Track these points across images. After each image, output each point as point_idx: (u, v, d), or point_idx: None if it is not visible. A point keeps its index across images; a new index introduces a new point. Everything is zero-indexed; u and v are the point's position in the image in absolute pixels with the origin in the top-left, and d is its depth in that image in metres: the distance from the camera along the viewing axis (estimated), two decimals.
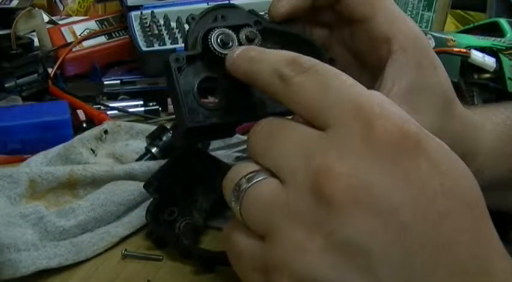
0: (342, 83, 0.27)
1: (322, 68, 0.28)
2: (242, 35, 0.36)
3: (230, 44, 0.36)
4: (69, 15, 1.19)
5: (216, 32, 0.36)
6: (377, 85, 0.36)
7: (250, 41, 0.36)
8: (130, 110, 0.71)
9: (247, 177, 0.28)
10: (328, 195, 0.24)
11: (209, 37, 0.35)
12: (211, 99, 0.36)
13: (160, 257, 0.39)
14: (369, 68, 0.38)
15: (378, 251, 0.23)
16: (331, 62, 0.38)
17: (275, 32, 0.39)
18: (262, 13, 0.40)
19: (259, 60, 0.30)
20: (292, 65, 0.28)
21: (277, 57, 0.29)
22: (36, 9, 0.78)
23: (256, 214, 0.27)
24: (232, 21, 0.37)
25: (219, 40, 0.35)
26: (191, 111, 0.34)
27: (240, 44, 0.36)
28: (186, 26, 0.39)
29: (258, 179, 0.27)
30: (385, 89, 0.35)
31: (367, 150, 0.25)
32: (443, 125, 0.36)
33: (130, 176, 0.48)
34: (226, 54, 0.34)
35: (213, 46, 0.35)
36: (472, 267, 0.24)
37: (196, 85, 0.35)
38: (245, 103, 0.35)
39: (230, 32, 0.36)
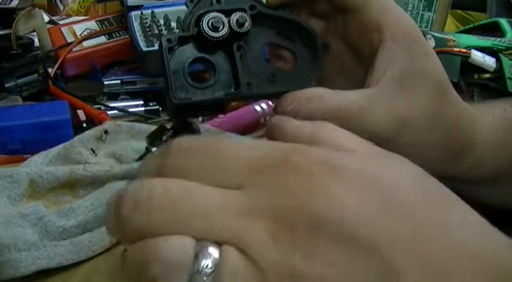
0: (224, 144, 0.25)
1: (197, 141, 0.26)
2: (233, 19, 0.38)
3: (220, 27, 0.38)
4: (69, 15, 1.19)
5: (208, 16, 0.38)
6: (369, 73, 0.37)
7: (240, 25, 0.38)
8: (131, 110, 0.71)
9: (197, 258, 0.23)
10: (290, 249, 0.22)
11: (201, 20, 0.38)
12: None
13: None
14: (364, 58, 0.39)
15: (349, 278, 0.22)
16: (325, 47, 0.40)
17: (270, 17, 0.40)
18: None
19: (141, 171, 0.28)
20: (170, 153, 0.26)
21: (151, 161, 0.27)
22: (37, 9, 0.78)
23: None
24: (227, 5, 0.39)
25: (210, 24, 0.38)
26: (179, 89, 0.37)
27: (230, 27, 0.38)
28: None
29: (217, 256, 0.23)
30: (376, 76, 0.36)
31: (284, 189, 0.23)
32: (437, 112, 0.37)
33: (130, 176, 0.48)
34: (216, 37, 0.38)
35: (204, 29, 0.38)
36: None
37: (187, 65, 0.38)
38: (233, 84, 0.37)
39: (221, 16, 0.38)
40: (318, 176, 0.23)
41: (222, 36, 0.38)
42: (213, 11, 0.38)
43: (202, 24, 0.38)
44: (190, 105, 0.37)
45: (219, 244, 0.23)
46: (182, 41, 0.38)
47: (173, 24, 0.75)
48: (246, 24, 0.38)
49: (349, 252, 0.22)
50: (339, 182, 0.23)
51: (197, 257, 0.22)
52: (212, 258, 0.22)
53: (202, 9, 0.39)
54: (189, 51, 0.38)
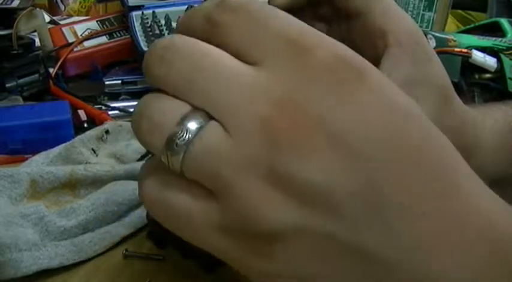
0: (272, 18, 0.24)
1: (251, 5, 0.25)
2: None
3: None
4: (70, 15, 1.19)
5: None
6: None
7: None
8: (132, 110, 0.70)
9: (182, 123, 0.23)
10: (277, 137, 0.22)
11: None
12: None
13: (162, 257, 0.39)
14: None
15: (337, 187, 0.22)
16: None
17: None
18: None
19: (195, 10, 0.27)
20: (221, 6, 0.25)
21: (208, 3, 0.26)
22: (38, 9, 0.78)
23: (205, 170, 0.23)
24: None
25: None
26: None
27: None
28: None
29: (198, 126, 0.23)
30: None
31: (305, 79, 0.22)
32: (441, 118, 0.37)
33: (131, 176, 0.48)
34: None
35: None
36: (439, 189, 0.22)
37: None
38: None
39: None
40: (352, 85, 0.23)
41: None
42: None
43: None
44: None
45: (210, 117, 0.23)
46: None
47: (174, 24, 0.76)
48: None
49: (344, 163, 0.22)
50: (367, 94, 0.22)
51: (182, 123, 0.23)
52: (194, 127, 0.23)
53: None
54: None
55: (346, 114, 0.22)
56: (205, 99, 0.23)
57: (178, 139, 0.23)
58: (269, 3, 0.40)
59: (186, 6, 0.77)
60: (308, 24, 0.43)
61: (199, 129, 0.23)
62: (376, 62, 0.37)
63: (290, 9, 0.40)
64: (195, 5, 0.40)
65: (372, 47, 0.37)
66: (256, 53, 0.23)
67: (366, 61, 0.24)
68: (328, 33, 0.42)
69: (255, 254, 0.24)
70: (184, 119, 0.23)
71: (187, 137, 0.23)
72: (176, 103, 0.24)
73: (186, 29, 0.26)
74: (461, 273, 0.22)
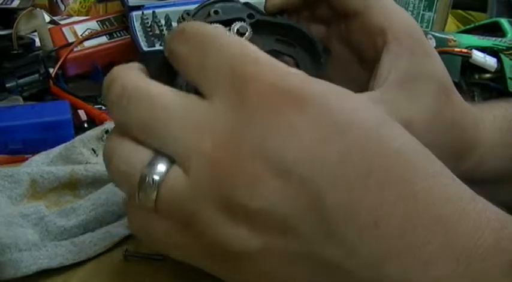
0: (221, 46, 0.26)
1: (204, 34, 0.27)
2: (233, 29, 0.38)
3: None
4: (70, 15, 1.19)
5: None
6: (372, 77, 0.37)
7: (241, 35, 0.38)
8: None
9: (147, 170, 0.26)
10: (225, 173, 0.24)
11: None
12: None
13: (162, 257, 0.39)
14: (368, 62, 0.39)
15: (287, 210, 0.23)
16: (326, 52, 0.39)
17: (269, 24, 0.40)
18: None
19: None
20: (176, 36, 0.28)
21: (170, 33, 0.29)
22: (38, 9, 0.78)
23: (174, 208, 0.26)
24: (225, 16, 0.39)
25: None
26: None
27: None
28: None
29: (161, 172, 0.26)
30: (379, 79, 0.36)
31: (244, 112, 0.24)
32: (441, 114, 0.37)
33: None
34: None
35: None
36: (392, 196, 0.23)
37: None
38: None
39: (221, 27, 0.37)
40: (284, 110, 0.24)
41: None
42: (212, 23, 0.38)
43: None
44: None
45: (171, 160, 0.26)
46: None
47: (174, 25, 0.75)
48: (247, 33, 0.38)
49: (285, 186, 0.23)
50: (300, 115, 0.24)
51: (147, 170, 0.26)
52: (157, 175, 0.26)
53: (201, 21, 0.38)
54: None
55: (280, 140, 0.23)
56: (162, 143, 0.26)
57: (146, 187, 0.26)
58: (265, 3, 0.40)
59: (186, 7, 0.77)
60: (305, 25, 0.43)
61: (163, 174, 0.26)
62: (376, 60, 0.37)
63: (285, 10, 0.40)
64: (191, 8, 0.40)
65: (371, 45, 0.38)
66: (207, 85, 0.26)
67: (314, 85, 0.25)
68: (327, 34, 0.42)
69: (228, 269, 0.27)
70: (148, 167, 0.26)
71: (153, 183, 0.26)
72: (139, 151, 0.27)
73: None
74: (423, 272, 0.23)
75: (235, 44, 0.26)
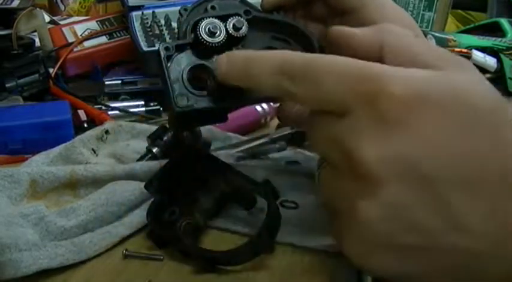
0: (332, 74, 0.29)
1: (310, 67, 0.30)
2: (229, 24, 0.38)
3: (218, 33, 0.38)
4: (70, 15, 1.19)
5: (205, 22, 0.38)
6: None
7: (237, 29, 0.38)
8: (131, 110, 0.71)
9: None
10: (362, 175, 0.28)
11: (198, 27, 0.38)
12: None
13: (161, 257, 0.39)
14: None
15: (414, 206, 0.27)
16: (322, 49, 0.39)
17: (266, 21, 0.40)
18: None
19: (253, 73, 0.32)
20: (286, 75, 0.31)
21: (268, 68, 0.32)
22: (37, 9, 0.78)
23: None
24: (221, 11, 0.39)
25: (207, 29, 0.38)
26: (179, 96, 0.37)
27: (228, 32, 0.38)
28: None
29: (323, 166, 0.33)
30: None
31: (380, 128, 0.28)
32: None
33: (131, 176, 0.48)
34: (214, 43, 0.37)
35: (201, 36, 0.38)
36: (507, 187, 0.27)
37: (186, 72, 0.38)
38: (234, 89, 0.35)
39: (218, 21, 0.38)
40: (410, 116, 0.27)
41: (219, 42, 0.38)
42: (209, 17, 0.38)
43: (199, 31, 0.38)
44: (192, 113, 0.37)
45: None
46: (180, 48, 0.38)
47: (174, 24, 0.75)
48: (243, 28, 0.39)
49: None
50: (431, 120, 0.27)
51: None
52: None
53: (198, 16, 0.39)
54: (187, 59, 0.38)
55: (418, 150, 0.27)
56: (321, 153, 0.34)
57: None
58: (261, 1, 0.41)
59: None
60: (300, 22, 0.43)
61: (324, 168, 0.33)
62: None
63: (282, 7, 0.41)
64: (188, 6, 0.40)
65: None
66: (336, 108, 0.29)
67: (422, 80, 0.29)
68: (324, 32, 0.42)
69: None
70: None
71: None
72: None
73: (249, 88, 0.34)
74: None
75: (347, 64, 0.29)
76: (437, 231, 0.28)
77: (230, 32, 0.38)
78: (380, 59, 0.31)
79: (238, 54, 0.34)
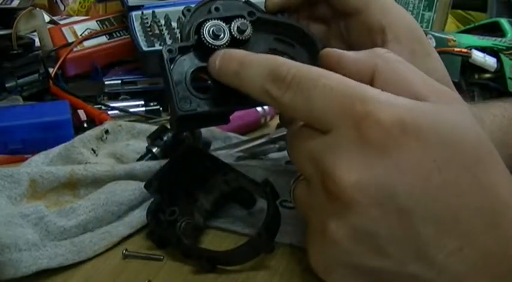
0: (323, 88, 0.29)
1: (301, 78, 0.30)
2: (234, 26, 0.38)
3: (221, 35, 0.37)
4: (70, 15, 1.19)
5: (208, 24, 0.37)
6: None
7: (241, 32, 0.38)
8: (131, 110, 0.71)
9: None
10: (335, 195, 0.28)
11: (201, 29, 0.37)
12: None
13: (161, 257, 0.39)
14: None
15: (383, 234, 0.28)
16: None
17: (269, 22, 0.40)
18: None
19: (244, 76, 0.33)
20: (276, 82, 0.31)
21: (259, 73, 0.32)
22: (37, 9, 0.78)
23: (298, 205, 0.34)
24: (225, 13, 0.39)
25: (210, 32, 0.37)
26: (183, 99, 0.36)
27: (232, 35, 0.37)
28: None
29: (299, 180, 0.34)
30: None
31: (360, 151, 0.28)
32: None
33: (131, 176, 0.48)
34: (217, 45, 0.37)
35: (205, 38, 0.37)
36: (479, 226, 0.27)
37: (189, 75, 0.37)
38: (236, 91, 0.35)
39: (222, 23, 0.37)
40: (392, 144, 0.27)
41: (223, 44, 0.37)
42: (213, 19, 0.37)
43: (203, 33, 0.37)
44: (194, 116, 0.37)
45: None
46: (183, 51, 0.38)
47: (174, 24, 0.75)
48: (247, 31, 0.38)
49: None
50: (412, 151, 0.27)
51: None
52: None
53: (201, 18, 0.38)
54: (190, 61, 0.38)
55: (394, 180, 0.27)
56: (297, 166, 0.33)
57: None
58: (266, 1, 0.40)
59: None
60: (304, 24, 0.44)
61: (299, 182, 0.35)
62: None
63: (286, 9, 0.40)
64: (192, 6, 0.40)
65: (371, 44, 0.37)
66: (320, 124, 0.30)
67: (406, 108, 0.29)
68: (327, 34, 0.42)
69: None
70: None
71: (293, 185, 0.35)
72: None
73: (240, 88, 0.33)
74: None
75: (339, 82, 0.29)
76: (401, 259, 0.28)
77: (234, 34, 0.38)
78: (371, 84, 0.31)
79: (234, 54, 0.34)
